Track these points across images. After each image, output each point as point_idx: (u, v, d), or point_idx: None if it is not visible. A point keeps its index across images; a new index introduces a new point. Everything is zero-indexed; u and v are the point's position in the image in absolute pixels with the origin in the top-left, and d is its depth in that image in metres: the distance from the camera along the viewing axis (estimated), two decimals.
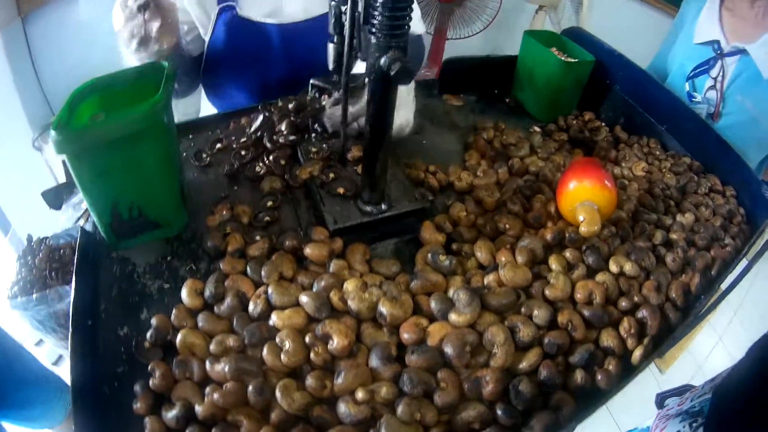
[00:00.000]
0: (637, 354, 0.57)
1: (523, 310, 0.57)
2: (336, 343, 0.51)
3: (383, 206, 0.66)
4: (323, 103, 0.80)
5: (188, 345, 0.54)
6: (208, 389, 0.50)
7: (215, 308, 0.57)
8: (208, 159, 0.80)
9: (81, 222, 0.75)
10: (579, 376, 0.54)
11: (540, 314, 0.56)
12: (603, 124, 1.02)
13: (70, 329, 0.54)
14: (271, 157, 0.77)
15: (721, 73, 1.09)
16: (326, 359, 0.52)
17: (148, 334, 0.55)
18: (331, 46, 0.63)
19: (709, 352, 1.85)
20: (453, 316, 0.55)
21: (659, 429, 0.64)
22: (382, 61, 0.51)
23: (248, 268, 0.60)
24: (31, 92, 1.66)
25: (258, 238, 0.65)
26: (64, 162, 0.58)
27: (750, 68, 1.05)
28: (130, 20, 0.70)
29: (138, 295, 0.62)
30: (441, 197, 0.78)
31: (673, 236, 0.73)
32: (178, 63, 0.82)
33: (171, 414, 0.49)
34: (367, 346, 0.54)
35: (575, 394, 0.53)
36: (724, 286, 0.66)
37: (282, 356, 0.51)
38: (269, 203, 0.72)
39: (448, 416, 0.50)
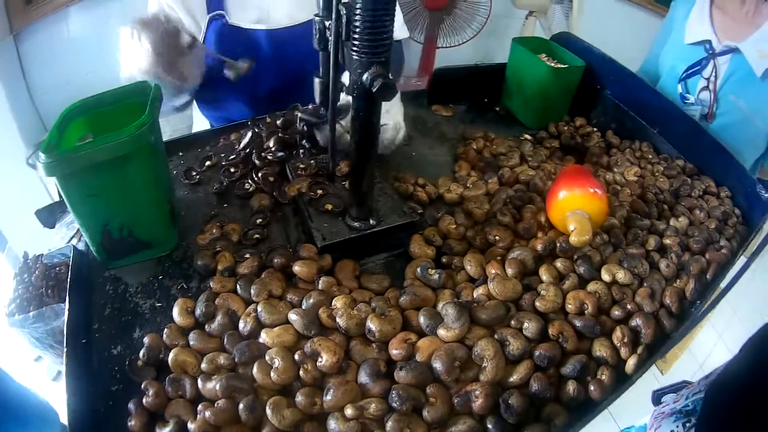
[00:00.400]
0: (631, 363, 0.56)
1: (513, 323, 0.57)
2: (325, 360, 0.51)
3: (372, 221, 0.66)
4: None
5: (180, 363, 0.54)
6: (200, 407, 0.50)
7: (206, 327, 0.58)
8: (198, 177, 0.80)
9: (74, 241, 0.76)
10: (571, 387, 0.53)
11: (530, 326, 0.56)
12: (595, 129, 1.02)
13: (65, 349, 0.55)
14: (260, 174, 0.77)
15: (713, 73, 1.08)
16: (316, 376, 0.52)
17: (141, 353, 0.56)
18: (317, 81, 0.64)
19: (710, 350, 1.84)
20: (442, 332, 0.54)
21: (654, 428, 0.64)
22: (365, 77, 0.51)
23: (238, 287, 0.61)
24: (24, 109, 1.66)
25: (247, 255, 0.65)
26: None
27: (743, 67, 1.04)
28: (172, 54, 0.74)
29: (131, 314, 0.62)
30: (430, 210, 0.78)
31: (667, 241, 0.73)
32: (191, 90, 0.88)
33: (165, 431, 0.50)
34: (357, 363, 0.54)
35: (568, 406, 0.53)
36: (723, 284, 0.66)
37: (272, 374, 0.51)
38: (258, 220, 0.72)
39: (439, 431, 0.50)
